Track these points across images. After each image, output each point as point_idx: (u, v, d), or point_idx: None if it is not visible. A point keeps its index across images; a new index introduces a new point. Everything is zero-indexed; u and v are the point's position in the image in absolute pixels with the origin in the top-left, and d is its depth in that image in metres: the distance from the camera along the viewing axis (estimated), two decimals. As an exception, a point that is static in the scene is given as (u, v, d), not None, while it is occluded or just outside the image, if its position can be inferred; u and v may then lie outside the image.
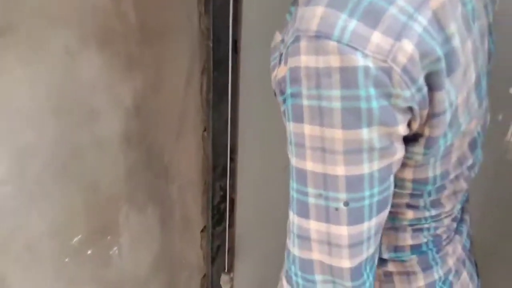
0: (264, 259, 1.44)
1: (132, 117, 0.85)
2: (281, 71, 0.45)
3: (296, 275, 0.50)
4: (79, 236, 0.81)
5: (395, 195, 0.51)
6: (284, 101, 0.47)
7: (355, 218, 0.45)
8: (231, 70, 1.00)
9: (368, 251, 0.47)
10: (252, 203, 1.30)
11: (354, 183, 0.43)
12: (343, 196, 0.44)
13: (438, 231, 0.60)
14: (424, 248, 0.60)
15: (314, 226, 0.46)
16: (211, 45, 0.95)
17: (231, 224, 1.22)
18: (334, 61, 0.39)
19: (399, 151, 0.45)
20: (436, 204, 0.56)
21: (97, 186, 0.82)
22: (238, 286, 1.34)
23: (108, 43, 0.75)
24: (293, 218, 0.48)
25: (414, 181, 0.52)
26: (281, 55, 0.46)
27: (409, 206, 0.56)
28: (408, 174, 0.51)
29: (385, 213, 0.48)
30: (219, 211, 1.15)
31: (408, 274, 0.61)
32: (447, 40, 0.42)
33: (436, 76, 0.42)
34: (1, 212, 0.68)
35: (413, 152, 0.49)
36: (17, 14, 0.63)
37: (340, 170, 0.43)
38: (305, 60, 0.40)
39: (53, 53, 0.68)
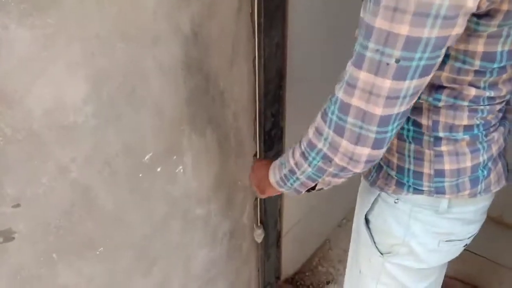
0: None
1: (191, 44, 0.89)
2: None
3: (332, 113, 0.61)
4: (150, 154, 0.89)
5: (461, 72, 0.60)
6: None
7: (400, 74, 0.53)
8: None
9: (400, 107, 0.56)
10: (300, 132, 1.34)
11: (411, 43, 0.51)
12: (397, 53, 0.52)
13: (489, 117, 0.67)
14: (475, 130, 0.67)
15: (363, 77, 0.55)
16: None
17: (281, 151, 1.27)
18: None
19: (459, 26, 0.51)
20: (494, 86, 0.63)
21: (162, 108, 0.89)
22: (285, 214, 1.42)
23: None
24: (349, 68, 0.57)
25: (482, 55, 0.59)
26: None
27: (471, 84, 0.62)
28: (480, 46, 0.58)
29: (425, 79, 0.55)
30: (270, 137, 1.21)
31: (457, 155, 0.68)
32: None
33: None
34: (85, 129, 0.76)
35: (489, 25, 0.55)
36: None
37: (403, 29, 0.50)
38: None
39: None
